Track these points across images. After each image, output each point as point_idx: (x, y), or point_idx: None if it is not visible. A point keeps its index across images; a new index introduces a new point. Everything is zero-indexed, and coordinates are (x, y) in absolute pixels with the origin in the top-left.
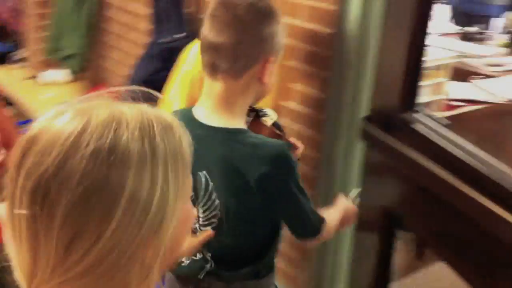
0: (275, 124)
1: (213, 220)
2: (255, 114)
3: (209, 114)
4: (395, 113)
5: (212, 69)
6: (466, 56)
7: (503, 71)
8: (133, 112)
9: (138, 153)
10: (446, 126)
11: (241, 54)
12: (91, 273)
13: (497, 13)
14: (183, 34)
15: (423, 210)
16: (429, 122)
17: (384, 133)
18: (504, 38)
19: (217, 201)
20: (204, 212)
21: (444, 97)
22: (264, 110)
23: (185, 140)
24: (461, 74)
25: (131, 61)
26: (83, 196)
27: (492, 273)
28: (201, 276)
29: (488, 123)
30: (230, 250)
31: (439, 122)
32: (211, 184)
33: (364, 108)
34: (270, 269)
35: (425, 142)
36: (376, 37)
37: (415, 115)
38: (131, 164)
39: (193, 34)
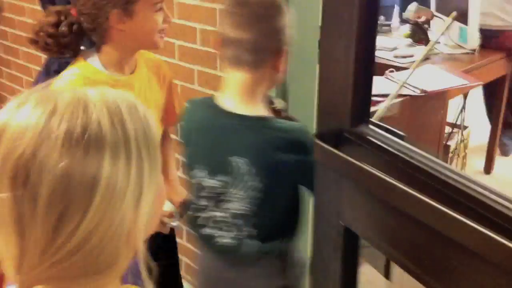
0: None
1: (248, 199)
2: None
3: (234, 103)
4: (347, 128)
5: (235, 61)
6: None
7: (412, 62)
8: (96, 94)
9: (110, 132)
10: (402, 137)
11: (261, 46)
12: (80, 250)
13: (395, 3)
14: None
15: (387, 225)
16: (384, 135)
17: (337, 150)
18: (407, 28)
19: (250, 183)
20: (239, 192)
21: None
22: (271, 97)
23: (151, 117)
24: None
25: (30, 76)
26: (63, 177)
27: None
28: (242, 251)
29: (409, 116)
30: (266, 227)
31: (395, 134)
32: (243, 168)
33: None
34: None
35: (384, 156)
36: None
37: (369, 129)
38: (105, 143)
39: None
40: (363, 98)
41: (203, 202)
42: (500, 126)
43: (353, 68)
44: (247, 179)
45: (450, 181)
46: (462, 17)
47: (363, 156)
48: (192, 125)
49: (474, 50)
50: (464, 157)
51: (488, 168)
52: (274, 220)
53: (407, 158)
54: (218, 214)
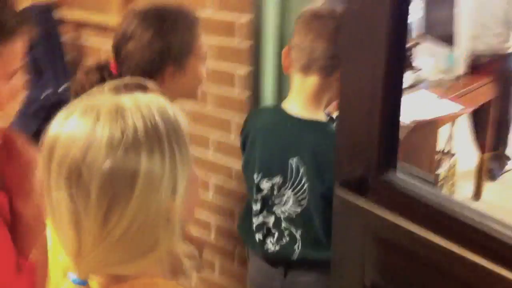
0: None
1: (303, 201)
2: None
3: (299, 108)
4: (373, 175)
5: (308, 66)
6: None
7: None
8: (131, 100)
9: (145, 133)
10: (432, 183)
11: (333, 54)
12: (125, 236)
13: None
14: (68, 87)
15: (422, 285)
16: (413, 181)
17: (362, 199)
18: None
19: (306, 185)
20: (294, 194)
21: None
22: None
23: (179, 115)
24: None
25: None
26: (108, 174)
27: None
28: (294, 257)
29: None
30: (318, 234)
31: (425, 180)
32: (301, 169)
33: None
34: None
35: (416, 205)
36: None
37: (397, 175)
38: (142, 143)
39: None
40: (391, 141)
41: (258, 206)
42: (488, 152)
43: (380, 107)
44: (304, 181)
45: (493, 234)
46: (450, 41)
47: (391, 205)
48: (255, 130)
49: (462, 75)
50: (453, 184)
51: (477, 195)
52: (325, 227)
53: (441, 208)
54: (271, 219)
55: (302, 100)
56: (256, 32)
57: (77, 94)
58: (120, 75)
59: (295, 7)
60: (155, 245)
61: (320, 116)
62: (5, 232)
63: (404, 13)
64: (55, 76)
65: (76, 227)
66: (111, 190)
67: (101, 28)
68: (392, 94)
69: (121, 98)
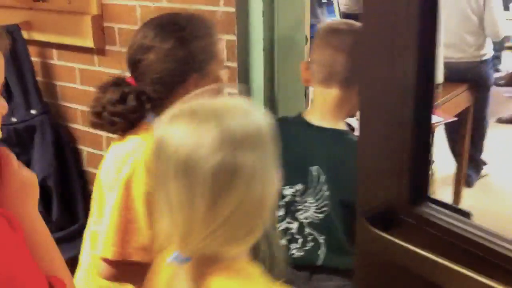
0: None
1: (324, 208)
2: None
3: (320, 118)
4: (403, 208)
5: (328, 79)
6: None
7: None
8: (228, 103)
9: (246, 132)
10: (467, 215)
11: (352, 66)
12: (229, 220)
13: None
14: (40, 109)
15: None
16: (449, 214)
17: (390, 235)
18: None
19: (326, 193)
20: (316, 201)
21: None
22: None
23: (266, 116)
24: None
25: None
26: (214, 170)
27: None
28: (318, 263)
29: None
30: (339, 239)
31: (459, 212)
32: (322, 177)
33: None
34: None
35: (451, 241)
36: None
37: (430, 208)
38: (243, 142)
39: (48, 108)
40: (422, 169)
41: (281, 212)
42: (466, 158)
43: (411, 129)
44: (324, 189)
45: None
46: None
47: (423, 240)
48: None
49: (440, 85)
50: (433, 192)
51: (456, 202)
52: (348, 234)
53: (480, 242)
54: (294, 225)
55: (323, 111)
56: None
57: (97, 114)
58: (142, 88)
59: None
60: (252, 230)
61: (340, 125)
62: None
63: (434, 23)
64: (25, 99)
65: (187, 212)
66: (217, 182)
67: (73, 49)
68: (423, 113)
69: (219, 101)
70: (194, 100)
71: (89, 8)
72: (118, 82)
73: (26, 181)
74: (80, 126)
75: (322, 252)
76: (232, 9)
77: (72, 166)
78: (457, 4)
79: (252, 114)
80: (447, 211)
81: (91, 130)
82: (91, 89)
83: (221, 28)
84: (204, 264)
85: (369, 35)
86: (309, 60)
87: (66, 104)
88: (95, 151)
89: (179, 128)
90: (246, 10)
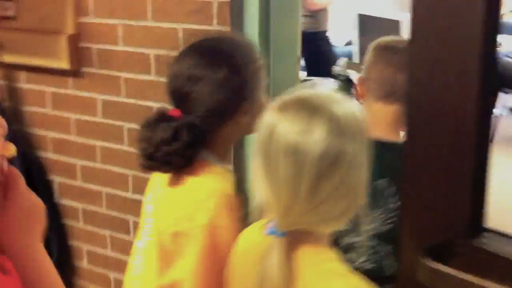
0: None
1: (391, 220)
2: None
3: (381, 133)
4: (461, 239)
5: (389, 96)
6: None
7: None
8: (330, 95)
9: (348, 121)
10: None
11: None
12: (328, 199)
13: None
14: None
15: None
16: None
17: (450, 268)
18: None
19: (392, 205)
20: (382, 214)
21: None
22: None
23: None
24: None
25: None
26: (320, 155)
27: None
28: (387, 273)
29: None
30: None
31: None
32: (387, 190)
33: None
34: None
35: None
36: None
37: (490, 238)
38: (346, 130)
39: (16, 133)
40: (481, 196)
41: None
42: None
43: (471, 154)
44: (390, 201)
45: None
46: None
47: (483, 271)
48: None
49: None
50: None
51: None
52: None
53: None
54: (361, 237)
55: (384, 126)
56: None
57: (150, 156)
58: (192, 121)
59: None
60: (347, 211)
61: (400, 138)
62: None
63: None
64: None
65: (292, 189)
66: (322, 165)
67: (45, 71)
68: (483, 138)
69: (322, 93)
70: (299, 91)
71: (64, 27)
72: (164, 117)
73: (34, 208)
74: (51, 155)
75: (390, 262)
76: (227, 28)
77: (42, 199)
78: None
79: (351, 105)
80: (505, 241)
81: (63, 158)
82: (65, 114)
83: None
84: (297, 239)
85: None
86: (363, 76)
87: (36, 130)
88: (67, 181)
89: (290, 116)
90: (241, 28)
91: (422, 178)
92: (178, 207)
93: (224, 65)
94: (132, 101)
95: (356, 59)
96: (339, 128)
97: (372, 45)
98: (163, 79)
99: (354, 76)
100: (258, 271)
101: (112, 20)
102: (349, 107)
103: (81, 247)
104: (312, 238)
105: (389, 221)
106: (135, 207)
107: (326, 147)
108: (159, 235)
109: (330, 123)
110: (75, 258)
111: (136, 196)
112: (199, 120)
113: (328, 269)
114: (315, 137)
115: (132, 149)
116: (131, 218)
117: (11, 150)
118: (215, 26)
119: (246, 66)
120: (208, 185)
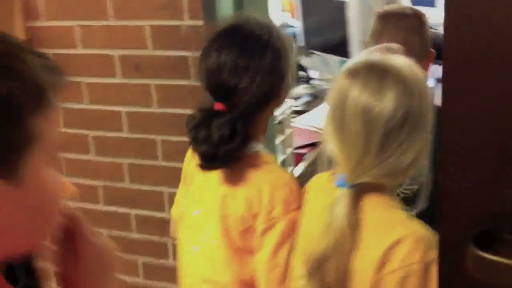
0: None
1: None
2: None
3: None
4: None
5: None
6: None
7: (306, 103)
8: (397, 59)
9: (416, 83)
10: None
11: None
12: (394, 154)
13: None
14: None
15: None
16: None
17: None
18: None
19: None
20: None
21: (291, 149)
22: None
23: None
24: None
25: None
26: (389, 116)
27: None
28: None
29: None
30: None
31: None
32: None
33: None
34: None
35: None
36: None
37: None
38: (414, 92)
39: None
40: None
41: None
42: None
43: None
44: None
45: None
46: (342, 50)
47: None
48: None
49: None
50: None
51: None
52: None
53: None
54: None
55: None
56: None
57: (207, 152)
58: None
59: None
60: (411, 165)
61: None
62: None
63: None
64: None
65: (362, 145)
66: (390, 124)
67: None
68: None
69: (389, 58)
70: (366, 56)
71: (13, 32)
72: (213, 114)
73: (105, 253)
74: None
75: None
76: (199, 22)
77: None
78: None
79: (415, 69)
80: None
81: None
82: None
83: (187, 44)
84: (363, 191)
85: None
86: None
87: None
88: None
89: (360, 80)
90: (214, 22)
91: (465, 158)
92: (247, 204)
93: (267, 51)
94: (96, 107)
95: (301, 41)
96: (407, 89)
97: (376, 15)
98: (131, 81)
99: None
100: (325, 220)
101: (67, 22)
102: (414, 69)
103: None
104: (377, 190)
105: None
106: (105, 219)
107: (395, 107)
108: (228, 235)
109: (399, 85)
110: None
111: (108, 208)
112: (249, 110)
113: (391, 216)
114: (386, 99)
115: (100, 158)
116: (102, 231)
117: (72, 190)
118: (187, 21)
119: (284, 46)
120: (271, 177)
